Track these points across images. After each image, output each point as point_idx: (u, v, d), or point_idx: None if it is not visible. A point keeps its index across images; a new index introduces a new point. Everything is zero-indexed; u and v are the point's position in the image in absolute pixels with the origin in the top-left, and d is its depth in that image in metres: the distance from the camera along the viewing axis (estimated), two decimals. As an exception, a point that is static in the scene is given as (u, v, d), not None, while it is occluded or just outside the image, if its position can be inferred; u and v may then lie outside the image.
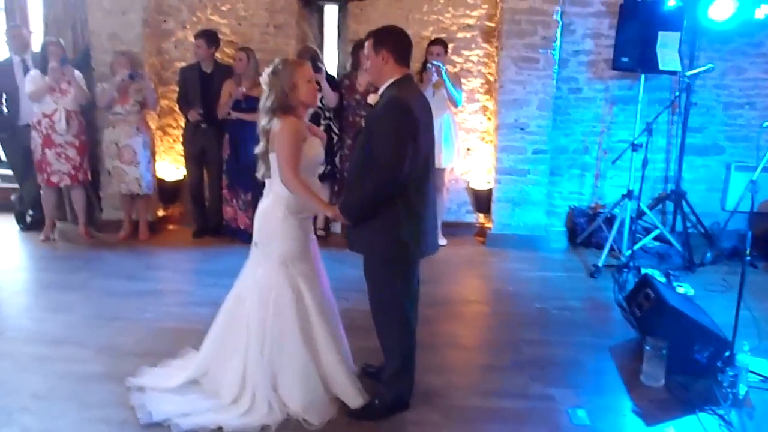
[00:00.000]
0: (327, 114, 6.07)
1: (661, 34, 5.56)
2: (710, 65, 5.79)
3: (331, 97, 5.96)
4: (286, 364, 3.36)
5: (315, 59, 5.87)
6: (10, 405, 3.47)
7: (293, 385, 3.35)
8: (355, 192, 3.24)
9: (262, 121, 3.35)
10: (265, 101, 3.34)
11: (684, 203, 6.11)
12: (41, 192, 6.30)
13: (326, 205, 3.46)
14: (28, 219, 6.65)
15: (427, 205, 3.29)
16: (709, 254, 5.87)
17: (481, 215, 6.71)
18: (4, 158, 6.76)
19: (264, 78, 3.35)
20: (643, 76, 5.82)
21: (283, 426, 3.30)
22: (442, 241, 6.25)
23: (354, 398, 3.43)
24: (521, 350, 4.23)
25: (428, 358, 3.92)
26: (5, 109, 6.33)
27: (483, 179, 6.60)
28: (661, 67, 5.58)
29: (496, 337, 4.53)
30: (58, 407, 3.47)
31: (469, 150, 6.60)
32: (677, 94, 5.94)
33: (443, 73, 5.78)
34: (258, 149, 3.40)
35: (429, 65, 5.83)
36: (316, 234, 3.79)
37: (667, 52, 5.58)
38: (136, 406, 3.44)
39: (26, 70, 6.15)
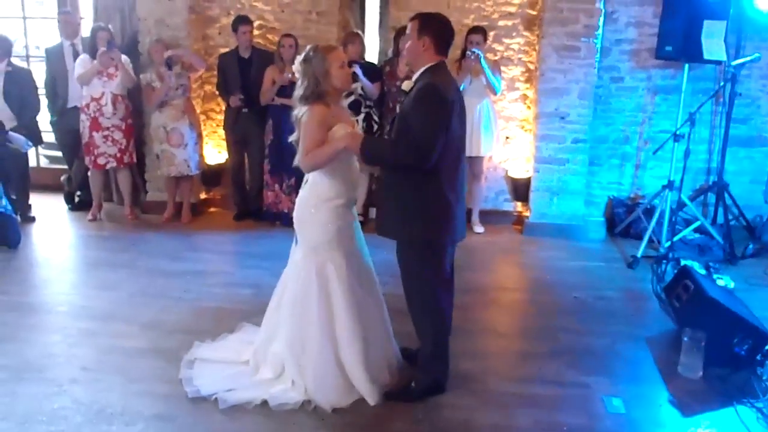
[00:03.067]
0: (368, 102, 6.12)
1: (706, 23, 5.48)
2: (757, 55, 5.69)
3: (372, 91, 6.01)
4: (306, 348, 3.42)
5: (362, 44, 5.93)
6: (60, 377, 3.62)
7: (308, 368, 3.41)
8: (386, 146, 3.29)
9: (296, 109, 3.38)
10: (298, 89, 3.35)
11: (726, 195, 6.02)
12: (89, 174, 6.49)
13: (342, 139, 3.27)
14: (77, 199, 6.87)
15: (457, 192, 3.31)
16: (751, 247, 5.79)
17: (519, 204, 6.71)
18: (54, 140, 6.96)
19: (296, 66, 3.36)
20: (686, 66, 5.74)
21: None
22: (480, 229, 6.29)
23: (367, 395, 3.41)
24: (557, 338, 4.24)
25: (465, 344, 3.97)
26: (57, 93, 6.51)
27: (522, 168, 6.59)
28: (705, 57, 5.51)
29: (533, 324, 4.55)
30: (105, 380, 3.60)
31: (508, 138, 6.60)
32: (722, 84, 5.85)
33: (482, 60, 5.78)
34: (293, 137, 3.44)
35: (468, 52, 5.84)
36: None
37: (713, 41, 5.50)
38: (184, 379, 3.56)
39: (76, 55, 6.33)
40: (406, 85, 3.31)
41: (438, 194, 3.23)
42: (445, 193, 3.25)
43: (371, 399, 3.40)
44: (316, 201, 3.40)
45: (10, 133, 5.97)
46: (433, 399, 3.47)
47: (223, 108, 6.73)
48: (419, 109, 3.12)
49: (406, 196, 3.25)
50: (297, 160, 3.46)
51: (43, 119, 6.83)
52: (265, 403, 3.36)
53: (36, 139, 6.40)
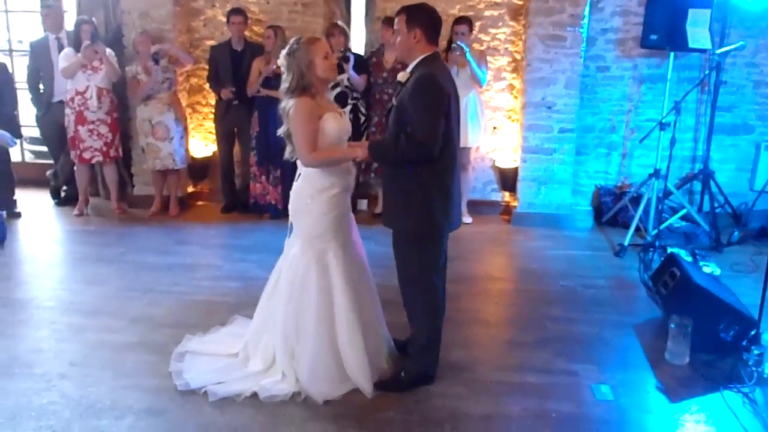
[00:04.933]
0: (355, 94, 6.10)
1: (691, 12, 5.51)
2: (741, 43, 5.72)
3: (359, 83, 6.01)
4: (302, 337, 3.42)
5: (345, 36, 5.93)
6: (49, 372, 3.60)
7: (303, 358, 3.41)
8: (390, 146, 3.27)
9: (282, 102, 3.38)
10: (284, 82, 3.35)
11: (712, 183, 6.07)
12: (75, 168, 6.45)
13: (352, 151, 3.40)
14: (63, 194, 6.84)
15: (454, 180, 3.33)
16: (736, 234, 5.84)
17: (507, 194, 6.73)
18: (39, 135, 6.90)
19: (281, 60, 3.35)
20: (672, 54, 5.77)
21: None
22: (468, 219, 6.30)
23: (362, 385, 3.42)
24: (545, 327, 4.27)
25: (454, 333, 3.99)
26: (41, 87, 6.46)
27: (509, 158, 6.61)
28: (690, 45, 5.53)
29: (521, 313, 4.58)
30: (94, 375, 3.59)
31: (495, 128, 6.61)
32: (707, 72, 5.89)
33: (467, 53, 5.79)
34: (281, 131, 3.44)
35: (453, 45, 5.84)
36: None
37: (697, 29, 5.52)
38: (174, 372, 3.56)
39: (61, 49, 6.29)
40: (401, 76, 3.32)
41: (439, 182, 3.25)
42: (446, 181, 3.27)
43: (368, 389, 3.41)
44: (311, 191, 3.39)
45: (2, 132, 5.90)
46: (423, 388, 3.49)
47: (210, 101, 6.71)
48: (418, 101, 3.13)
49: (407, 186, 3.26)
50: (288, 154, 3.47)
51: (27, 114, 6.78)
52: (255, 395, 3.36)
53: (16, 133, 6.34)
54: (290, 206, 3.50)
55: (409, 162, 3.20)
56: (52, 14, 6.42)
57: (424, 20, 3.24)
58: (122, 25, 6.50)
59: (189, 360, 3.67)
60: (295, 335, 3.43)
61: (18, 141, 6.41)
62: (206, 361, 3.65)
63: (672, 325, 3.83)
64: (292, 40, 3.38)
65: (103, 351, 3.84)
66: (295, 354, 3.44)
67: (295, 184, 3.49)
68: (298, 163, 3.43)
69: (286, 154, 3.49)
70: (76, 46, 6.09)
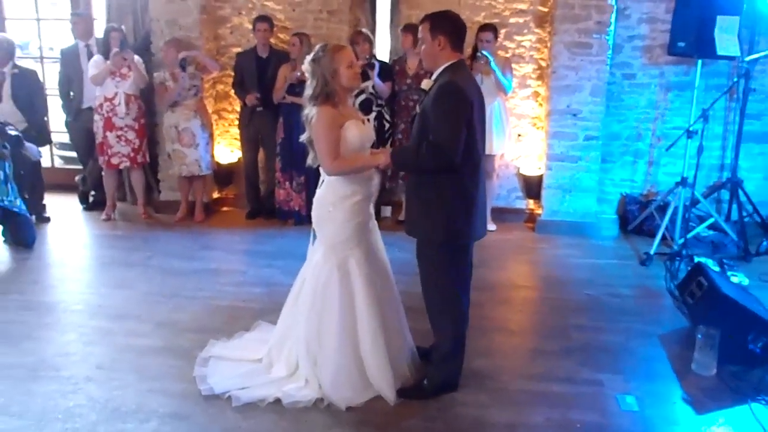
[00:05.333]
0: (379, 101, 6.12)
1: (719, 19, 5.44)
2: (771, 50, 5.66)
3: (383, 90, 6.03)
4: (324, 344, 3.43)
5: (370, 43, 5.96)
6: (76, 375, 3.66)
7: (325, 365, 3.42)
8: (412, 153, 3.27)
9: (305, 109, 3.39)
10: (307, 89, 3.37)
11: (740, 191, 5.98)
12: (102, 173, 6.54)
13: (375, 159, 3.42)
14: (91, 199, 6.93)
15: (478, 189, 3.32)
16: (765, 243, 5.75)
17: (531, 201, 6.70)
18: (68, 140, 7.01)
19: (306, 66, 3.37)
20: (699, 62, 5.70)
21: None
22: (492, 227, 6.27)
23: (385, 392, 3.42)
24: (570, 336, 4.24)
25: (477, 341, 3.98)
26: (71, 93, 6.57)
27: (534, 165, 6.58)
28: (719, 52, 5.46)
29: (545, 322, 4.55)
30: (120, 378, 3.63)
31: (520, 136, 6.58)
32: (735, 79, 5.82)
33: (491, 62, 5.79)
34: (304, 137, 3.46)
35: (478, 54, 5.84)
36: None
37: (726, 36, 5.45)
38: (198, 377, 3.59)
39: (90, 56, 6.39)
40: (425, 84, 3.32)
41: (462, 191, 3.25)
42: (469, 189, 3.27)
43: (390, 396, 3.41)
44: (333, 199, 3.41)
45: (25, 143, 6.00)
46: (446, 396, 3.48)
47: (236, 107, 6.77)
48: (440, 108, 3.13)
49: (430, 195, 3.26)
50: (310, 160, 3.49)
51: (56, 120, 6.89)
52: (278, 401, 3.38)
53: (46, 139, 6.42)
54: (313, 213, 3.52)
55: (431, 170, 3.20)
56: (81, 22, 6.54)
57: (448, 27, 3.24)
58: (150, 33, 6.59)
59: (213, 365, 3.70)
60: (318, 342, 3.44)
61: (42, 152, 6.52)
62: (230, 366, 3.68)
63: (699, 336, 3.78)
64: (317, 47, 3.39)
65: (128, 355, 3.89)
66: (317, 360, 3.45)
67: (317, 191, 3.51)
68: (321, 170, 3.45)
69: (309, 161, 3.51)
70: (105, 53, 6.18)
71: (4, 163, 5.59)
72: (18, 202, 5.69)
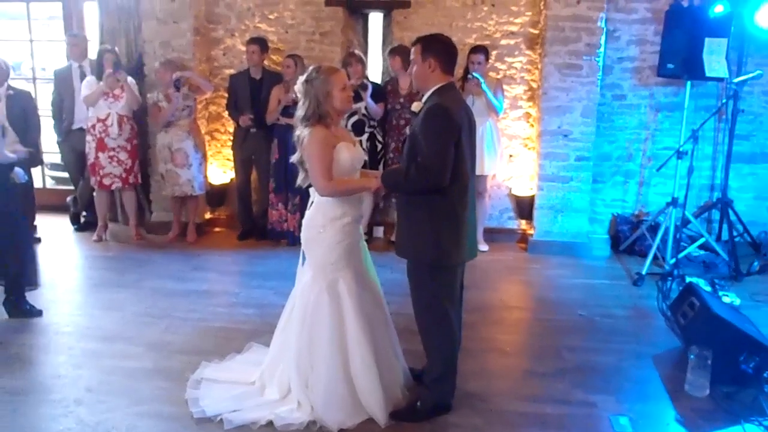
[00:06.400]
0: (372, 122, 6.15)
1: (707, 41, 5.51)
2: (759, 72, 5.72)
3: (376, 112, 6.07)
4: (315, 366, 3.41)
5: (362, 64, 6.00)
6: (66, 398, 3.62)
7: (317, 386, 3.40)
8: (401, 176, 3.28)
9: (297, 130, 3.40)
10: (299, 110, 3.38)
11: (730, 211, 6.02)
12: (94, 194, 6.52)
13: (367, 181, 3.46)
14: (82, 220, 6.92)
15: (468, 211, 3.33)
16: (756, 263, 5.78)
17: (523, 222, 6.72)
18: (60, 161, 7.00)
19: (298, 87, 3.38)
20: (689, 83, 5.76)
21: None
22: (484, 247, 6.28)
23: (376, 415, 3.39)
24: (563, 357, 4.23)
25: (470, 363, 3.97)
26: (63, 114, 6.57)
27: (525, 186, 6.61)
28: (707, 74, 5.53)
29: (538, 343, 4.54)
30: (110, 401, 3.59)
31: (511, 156, 6.62)
32: (724, 101, 5.88)
33: (482, 84, 5.84)
34: (294, 158, 3.47)
35: (469, 76, 5.89)
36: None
37: (714, 58, 5.52)
38: (190, 400, 3.56)
39: (83, 77, 6.41)
40: (415, 107, 3.35)
41: (450, 212, 3.25)
42: (457, 211, 3.27)
43: (381, 419, 3.39)
44: (323, 220, 3.41)
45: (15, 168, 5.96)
46: (439, 419, 3.46)
47: (228, 128, 6.79)
48: (427, 130, 3.15)
49: (419, 216, 3.27)
50: (300, 181, 3.49)
51: (48, 140, 6.87)
52: (270, 423, 3.35)
53: (37, 160, 6.36)
54: (302, 235, 3.51)
55: (420, 191, 3.22)
56: (76, 43, 6.54)
57: (439, 50, 3.27)
58: (143, 54, 6.62)
59: (205, 387, 3.67)
60: (309, 364, 3.43)
61: (32, 174, 6.46)
62: (222, 388, 3.65)
63: (691, 356, 3.78)
64: (310, 69, 3.40)
65: (119, 377, 3.86)
66: (309, 383, 3.43)
67: (307, 212, 3.51)
68: (311, 191, 3.45)
69: (299, 181, 3.51)
70: (99, 74, 6.21)
71: None
72: None
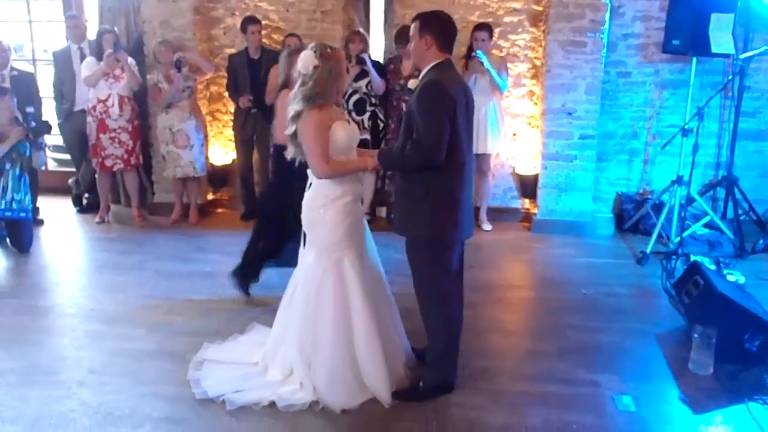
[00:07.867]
0: (373, 101, 6.10)
1: (713, 16, 5.43)
2: (765, 47, 5.64)
3: (378, 86, 6.00)
4: (319, 347, 3.40)
5: (365, 43, 5.94)
6: (69, 379, 3.63)
7: (320, 367, 3.40)
8: (397, 154, 3.27)
9: (297, 105, 3.31)
10: (303, 88, 3.28)
11: (736, 189, 5.97)
12: (96, 176, 6.51)
13: (364, 161, 3.43)
14: (84, 201, 6.92)
15: (464, 189, 3.31)
16: (761, 241, 5.74)
17: (527, 201, 6.68)
18: (61, 143, 6.98)
19: (310, 60, 3.27)
20: (694, 60, 5.70)
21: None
22: (487, 227, 6.27)
23: (380, 394, 3.39)
24: (567, 336, 4.22)
25: (473, 342, 3.96)
26: (64, 96, 6.54)
27: (529, 164, 6.56)
28: (713, 50, 5.46)
29: (542, 322, 4.53)
30: (113, 382, 3.60)
31: (515, 135, 6.57)
32: (730, 77, 5.81)
33: (485, 62, 5.78)
34: (288, 131, 3.41)
35: (472, 54, 5.83)
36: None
37: (720, 34, 5.45)
38: (192, 381, 3.56)
39: (83, 58, 6.37)
40: (412, 84, 3.34)
41: (446, 189, 3.24)
42: (452, 189, 3.26)
43: (385, 398, 3.38)
44: (324, 201, 3.39)
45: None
46: (442, 398, 3.46)
47: (230, 109, 6.75)
48: (422, 107, 3.14)
49: (416, 193, 3.25)
50: (291, 154, 3.46)
51: (50, 122, 6.84)
52: (273, 404, 3.35)
53: (47, 128, 6.29)
54: (303, 216, 3.49)
55: (415, 168, 3.21)
56: (75, 24, 6.49)
57: (437, 27, 3.24)
58: (143, 34, 6.56)
59: (207, 368, 3.67)
60: (312, 345, 3.42)
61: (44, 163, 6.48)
62: (225, 369, 3.65)
63: (695, 335, 3.76)
64: (314, 48, 3.30)
65: (121, 359, 3.86)
66: (312, 363, 3.42)
67: (306, 193, 3.48)
68: (309, 172, 3.43)
69: (288, 154, 3.48)
70: (98, 55, 6.16)
71: (21, 161, 5.55)
72: (27, 200, 5.62)
